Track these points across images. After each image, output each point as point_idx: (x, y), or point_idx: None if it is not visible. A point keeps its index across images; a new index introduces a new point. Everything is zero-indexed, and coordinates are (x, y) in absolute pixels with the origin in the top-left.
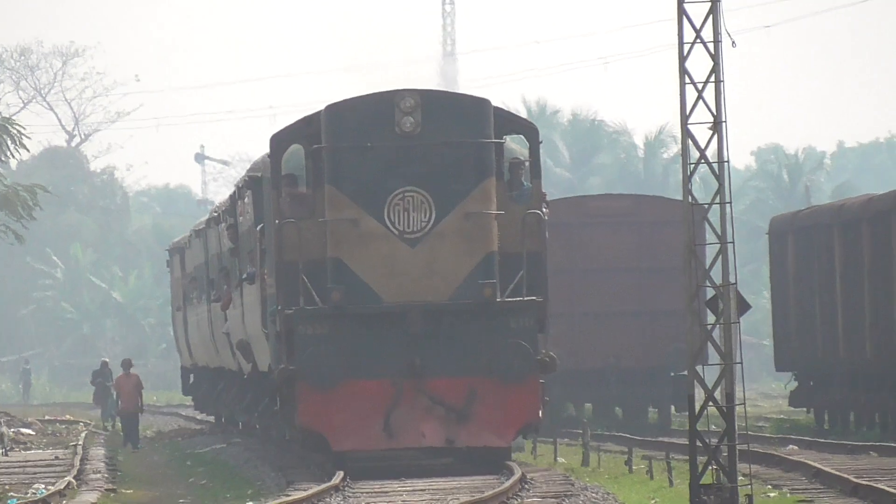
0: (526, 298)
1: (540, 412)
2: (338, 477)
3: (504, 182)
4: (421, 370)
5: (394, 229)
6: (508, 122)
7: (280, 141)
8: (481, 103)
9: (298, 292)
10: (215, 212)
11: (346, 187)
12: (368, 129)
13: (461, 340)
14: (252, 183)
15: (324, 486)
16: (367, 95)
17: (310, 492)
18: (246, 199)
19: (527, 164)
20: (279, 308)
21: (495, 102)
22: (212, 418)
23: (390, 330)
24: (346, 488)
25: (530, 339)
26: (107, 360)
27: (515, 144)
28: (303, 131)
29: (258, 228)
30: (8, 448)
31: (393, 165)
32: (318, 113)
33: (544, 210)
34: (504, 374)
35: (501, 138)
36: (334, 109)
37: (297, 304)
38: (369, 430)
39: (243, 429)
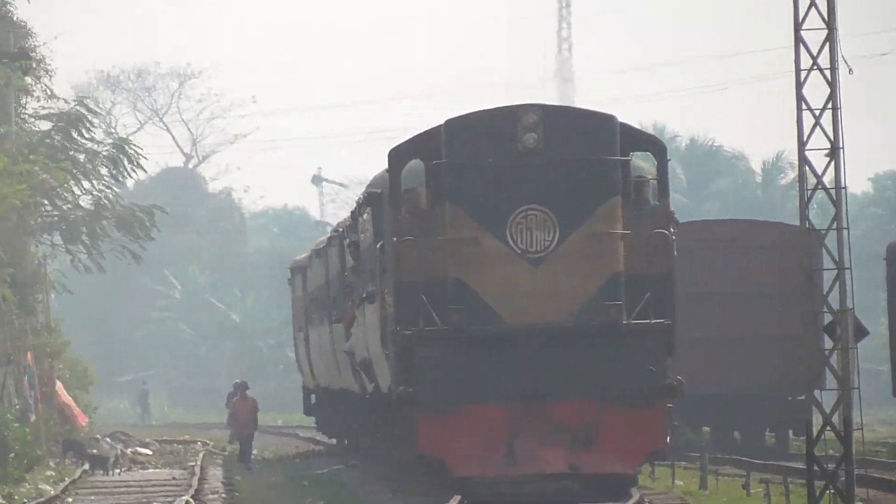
0: (653, 321)
1: (668, 438)
2: (454, 501)
3: (630, 201)
4: (544, 394)
5: (516, 248)
6: (635, 138)
7: (398, 155)
8: (607, 119)
9: (417, 312)
10: (336, 230)
11: (467, 205)
12: (490, 144)
13: (586, 364)
14: (371, 199)
15: None
16: (489, 110)
17: None
18: (365, 216)
19: (654, 182)
20: (397, 328)
21: None
22: (334, 440)
23: (512, 352)
24: None
25: (658, 362)
26: (239, 381)
27: (643, 162)
28: (422, 146)
29: (378, 246)
30: (123, 468)
31: (515, 183)
32: (439, 127)
33: (672, 230)
34: (630, 400)
35: (627, 155)
36: (455, 124)
37: (416, 324)
38: (490, 457)
39: (366, 451)
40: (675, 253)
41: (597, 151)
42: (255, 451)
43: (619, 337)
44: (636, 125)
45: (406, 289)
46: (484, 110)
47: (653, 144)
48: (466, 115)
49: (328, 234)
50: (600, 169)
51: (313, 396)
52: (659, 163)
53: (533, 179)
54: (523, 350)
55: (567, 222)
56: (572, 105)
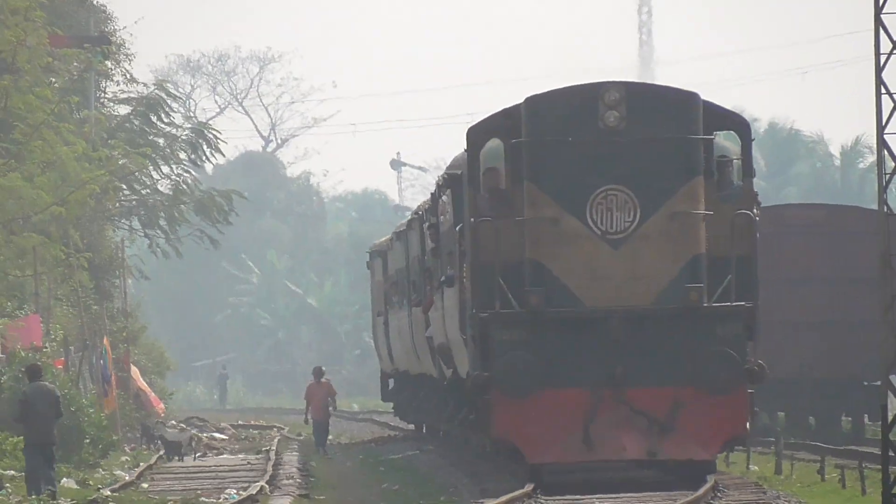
0: (735, 304)
1: (748, 425)
2: (528, 487)
3: (713, 181)
4: (622, 379)
5: (596, 229)
6: (718, 117)
7: (477, 134)
8: (690, 97)
9: (494, 295)
10: (417, 212)
11: (546, 184)
12: (570, 123)
13: (665, 348)
14: (451, 181)
15: (511, 495)
16: (570, 87)
17: (500, 499)
18: (445, 198)
19: (737, 162)
20: (474, 311)
21: None
22: (412, 426)
23: (591, 336)
24: (537, 498)
25: (739, 347)
26: (315, 367)
27: (727, 142)
28: (501, 125)
29: (457, 228)
30: (198, 454)
31: (596, 162)
32: (518, 105)
33: (755, 212)
34: (710, 385)
35: (711, 134)
36: (535, 102)
37: (493, 307)
38: (567, 442)
39: (445, 437)
40: (758, 235)
41: (679, 130)
42: (330, 437)
43: (699, 320)
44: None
45: (483, 271)
46: (565, 87)
47: (737, 123)
48: (547, 92)
49: (408, 217)
50: (682, 148)
51: (391, 382)
52: (743, 142)
53: (614, 159)
54: (602, 333)
55: (648, 203)
56: None
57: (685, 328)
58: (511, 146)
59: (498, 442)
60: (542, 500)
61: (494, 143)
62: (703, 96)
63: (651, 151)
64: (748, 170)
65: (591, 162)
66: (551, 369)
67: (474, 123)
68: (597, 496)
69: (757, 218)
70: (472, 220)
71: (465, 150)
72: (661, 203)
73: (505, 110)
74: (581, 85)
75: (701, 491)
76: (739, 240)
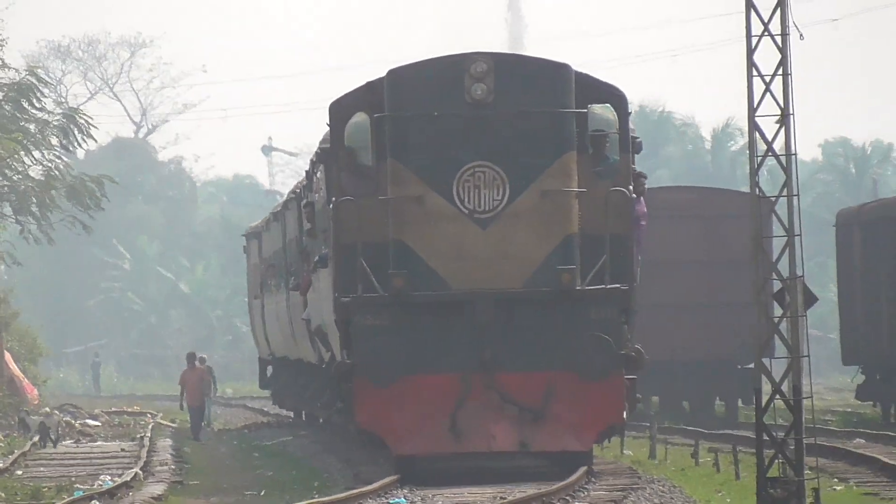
0: (609, 286)
1: (624, 413)
2: (389, 480)
3: (587, 156)
4: (491, 364)
5: (463, 208)
6: (593, 89)
7: (340, 109)
8: (561, 68)
9: (356, 278)
10: (294, 191)
11: (411, 161)
12: (436, 96)
13: (537, 332)
14: (325, 156)
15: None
16: (435, 59)
17: (372, 486)
18: (319, 174)
19: (615, 136)
20: (336, 295)
21: None
22: (291, 414)
23: (458, 320)
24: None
25: (614, 331)
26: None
27: (611, 113)
28: (365, 99)
29: (330, 206)
30: (71, 441)
31: (462, 137)
32: (381, 79)
33: (630, 189)
34: (584, 370)
35: (584, 107)
36: (397, 74)
37: (356, 291)
38: (434, 432)
39: (324, 424)
40: (644, 212)
41: (550, 103)
42: (204, 422)
43: (572, 303)
44: None
45: (346, 252)
46: (430, 59)
47: (612, 95)
48: (411, 64)
49: (285, 198)
50: (554, 122)
51: (270, 368)
52: (619, 115)
53: (481, 134)
54: (470, 317)
55: (518, 180)
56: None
57: (558, 311)
58: (375, 121)
59: (362, 432)
60: (404, 493)
61: (360, 118)
62: None
63: (521, 126)
64: (625, 144)
65: (457, 137)
66: (417, 355)
67: (337, 98)
68: (467, 488)
69: (636, 195)
70: (334, 199)
71: (328, 125)
72: (531, 180)
73: (368, 83)
74: (446, 56)
75: (573, 478)
76: (614, 218)
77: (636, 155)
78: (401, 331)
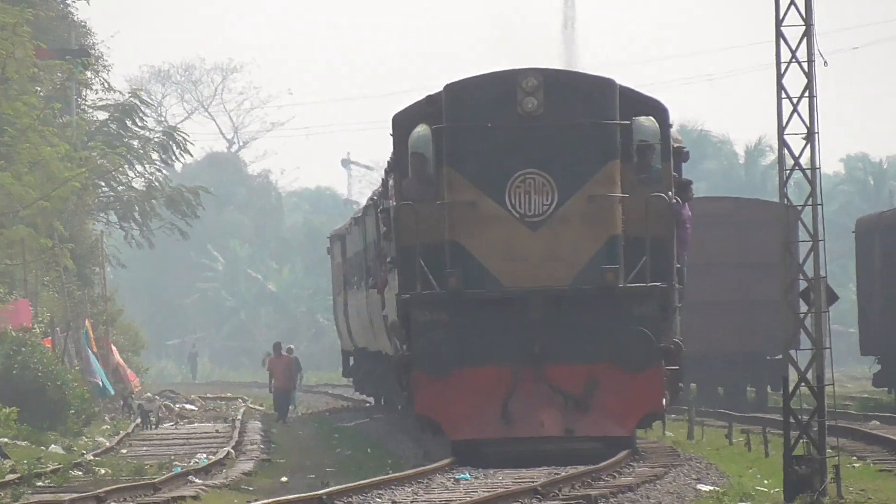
0: (650, 284)
1: (664, 401)
2: (445, 463)
3: (632, 164)
4: (540, 357)
5: (514, 212)
6: (636, 102)
7: (401, 120)
8: (606, 83)
9: (416, 277)
10: (372, 198)
11: (466, 169)
12: (489, 109)
13: (582, 327)
14: (394, 164)
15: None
16: (489, 74)
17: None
18: (391, 182)
19: (657, 146)
20: (397, 293)
21: None
22: (371, 399)
23: (509, 316)
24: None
25: (653, 325)
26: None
27: (654, 124)
28: (426, 111)
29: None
30: (170, 423)
31: (514, 147)
32: (440, 92)
33: (670, 194)
34: (625, 362)
35: (629, 119)
36: (454, 88)
37: (415, 289)
38: (486, 419)
39: (401, 410)
40: (689, 216)
41: (596, 115)
42: (292, 406)
43: (616, 300)
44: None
45: (406, 253)
46: (484, 74)
47: (654, 108)
48: (467, 79)
49: (365, 203)
50: (599, 132)
51: (352, 359)
52: (661, 126)
53: (532, 143)
54: (520, 313)
55: (565, 186)
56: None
57: (602, 308)
58: (434, 132)
59: (421, 419)
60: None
61: (423, 129)
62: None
63: (568, 136)
64: (666, 153)
65: (509, 146)
66: (471, 348)
67: (400, 110)
68: (518, 470)
69: (678, 200)
70: (394, 203)
71: (391, 136)
72: (578, 186)
73: (429, 97)
74: (500, 71)
75: (614, 459)
76: (654, 222)
77: (683, 163)
78: (456, 326)
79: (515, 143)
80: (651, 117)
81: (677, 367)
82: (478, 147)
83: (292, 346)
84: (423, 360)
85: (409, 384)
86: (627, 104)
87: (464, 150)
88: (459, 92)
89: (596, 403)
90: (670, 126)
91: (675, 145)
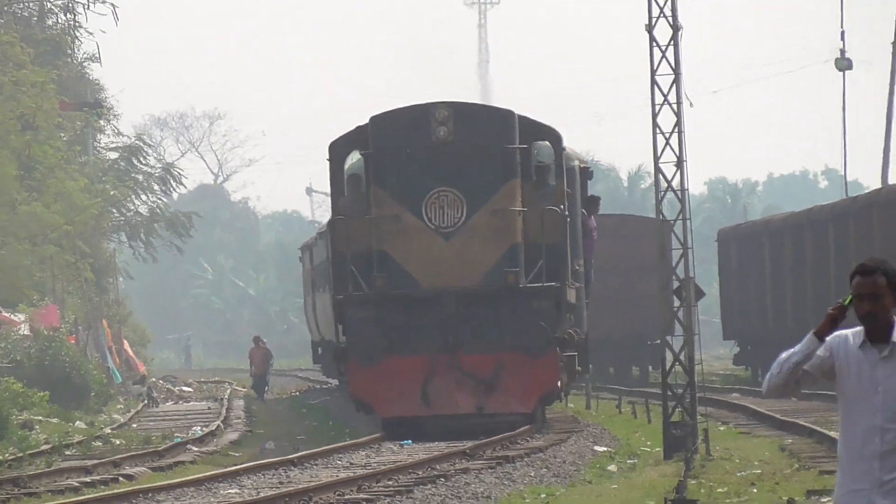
0: (545, 284)
1: (559, 382)
2: (376, 436)
3: (531, 182)
4: (454, 347)
5: (430, 224)
6: (535, 129)
7: (337, 147)
8: (506, 114)
9: (347, 280)
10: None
11: (389, 187)
12: (408, 136)
13: (489, 321)
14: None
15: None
16: (407, 107)
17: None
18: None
19: (552, 166)
20: (332, 294)
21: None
22: (335, 381)
23: (427, 312)
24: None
25: (549, 319)
26: (255, 336)
27: (549, 148)
28: (356, 139)
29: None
30: (169, 401)
31: (429, 168)
32: (367, 123)
33: (562, 207)
34: (526, 350)
35: (528, 143)
36: (379, 120)
37: (347, 290)
38: (410, 400)
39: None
40: (594, 226)
41: (498, 141)
42: (267, 388)
43: (517, 297)
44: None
45: (340, 259)
46: (403, 107)
47: (549, 134)
48: (388, 111)
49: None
50: (501, 155)
51: (319, 349)
52: (555, 150)
53: (444, 165)
54: (437, 310)
55: (473, 201)
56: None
57: (505, 304)
58: (364, 156)
59: (355, 399)
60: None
61: (358, 155)
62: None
63: (475, 159)
64: (559, 172)
65: (425, 168)
66: (396, 340)
67: (335, 139)
68: (439, 443)
69: (589, 215)
70: (330, 218)
71: (328, 160)
72: (484, 201)
73: (358, 127)
74: (416, 105)
75: (518, 431)
76: (549, 231)
77: (589, 181)
78: (383, 321)
79: (430, 165)
80: (547, 142)
81: (575, 353)
82: (399, 169)
83: (265, 340)
84: (356, 350)
85: (345, 371)
86: (527, 131)
87: (387, 172)
88: (383, 122)
89: (502, 385)
90: (563, 150)
91: (582, 166)
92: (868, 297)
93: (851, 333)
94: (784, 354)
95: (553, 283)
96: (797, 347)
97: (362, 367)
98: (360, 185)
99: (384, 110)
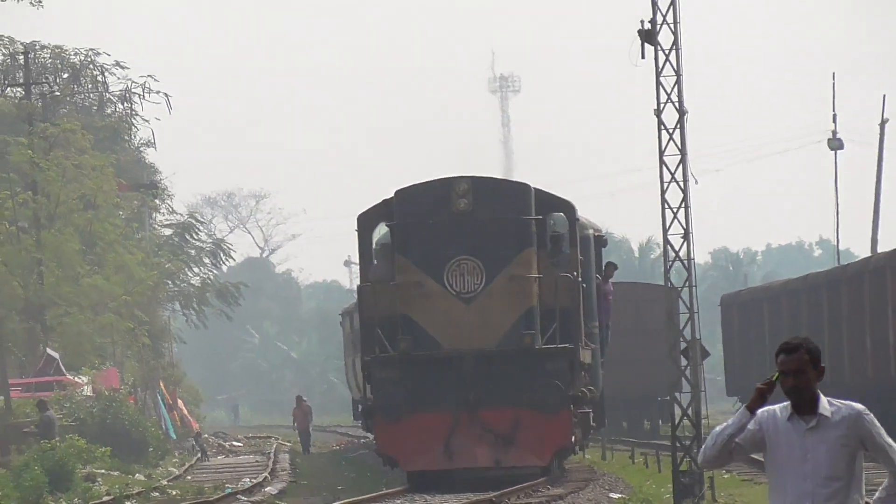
0: (559, 345)
1: (573, 438)
2: (401, 488)
3: (546, 251)
4: (474, 404)
5: (452, 290)
6: (550, 201)
7: (364, 220)
8: (523, 187)
9: (374, 343)
10: None
11: (413, 256)
12: (430, 208)
13: (506, 379)
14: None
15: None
16: (430, 181)
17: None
18: None
19: (566, 235)
20: (361, 356)
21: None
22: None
23: (449, 372)
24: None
25: (563, 378)
26: (297, 395)
27: (563, 219)
28: (383, 211)
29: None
30: (223, 455)
31: (450, 238)
32: (392, 197)
33: (575, 273)
34: (541, 407)
35: (544, 214)
36: (403, 193)
37: (374, 352)
38: (432, 454)
39: None
40: (610, 290)
41: (515, 212)
42: (311, 442)
43: (533, 358)
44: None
45: (367, 324)
46: (426, 182)
47: (564, 205)
48: (412, 185)
49: None
50: (517, 226)
51: (360, 406)
52: (569, 220)
53: (464, 235)
54: (458, 369)
55: (491, 268)
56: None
57: (522, 364)
58: (389, 227)
59: (381, 454)
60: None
61: (385, 227)
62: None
63: (493, 229)
64: (573, 241)
65: (446, 237)
66: (419, 398)
67: (363, 211)
68: (463, 494)
69: (607, 279)
70: (359, 285)
71: (356, 231)
72: (501, 268)
73: (385, 200)
74: (438, 179)
75: (535, 482)
76: (562, 295)
77: (603, 248)
78: (407, 380)
79: (451, 234)
80: (562, 213)
81: (589, 410)
82: (422, 238)
83: (306, 399)
84: (382, 408)
85: (372, 427)
86: (542, 203)
87: (411, 241)
88: (406, 195)
89: (519, 440)
90: (577, 220)
91: (596, 234)
92: (793, 373)
93: (779, 408)
94: (718, 428)
95: (567, 345)
96: (731, 421)
97: (388, 424)
98: (389, 254)
99: (408, 184)
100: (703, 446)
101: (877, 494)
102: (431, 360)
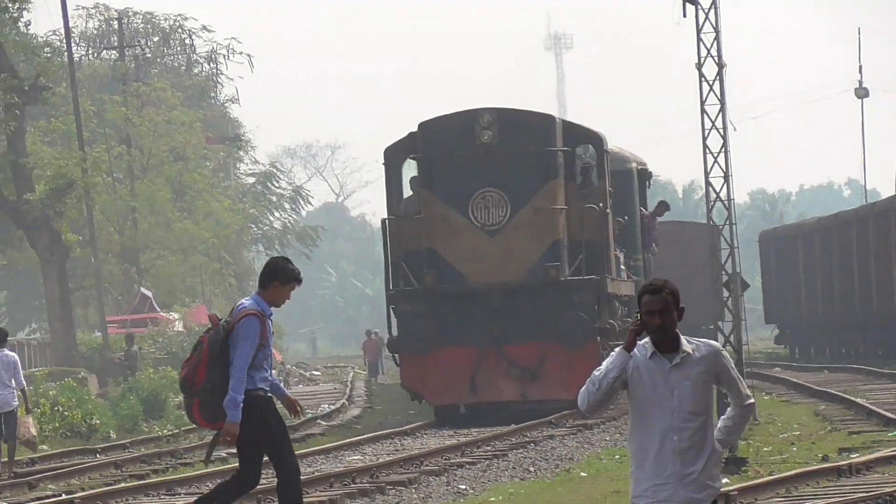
0: (585, 277)
1: None
2: (423, 423)
3: (574, 183)
4: (500, 339)
5: (476, 223)
6: (579, 133)
7: (390, 153)
8: (548, 118)
9: (399, 276)
10: None
11: (437, 189)
12: (454, 141)
13: (532, 313)
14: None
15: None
16: (454, 113)
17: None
18: None
19: (594, 166)
20: (385, 289)
21: None
22: None
23: (474, 306)
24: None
25: (590, 310)
26: (368, 329)
27: (592, 150)
28: (409, 145)
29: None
30: (303, 384)
31: (475, 170)
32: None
33: (602, 204)
34: (567, 340)
35: (572, 146)
36: (426, 126)
37: (399, 286)
38: (458, 388)
39: None
40: (655, 224)
41: (540, 144)
42: (381, 372)
43: (559, 290)
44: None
45: (392, 257)
46: (450, 114)
47: (593, 137)
48: (435, 118)
49: None
50: (542, 157)
51: None
52: (597, 151)
53: (489, 167)
54: (483, 303)
55: (516, 201)
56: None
57: (548, 297)
58: (415, 160)
59: (406, 388)
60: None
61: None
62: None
63: (517, 161)
64: (601, 172)
65: (471, 170)
66: (444, 332)
67: (389, 145)
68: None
69: (654, 215)
70: (383, 218)
71: (383, 164)
72: (526, 200)
73: (410, 134)
74: (462, 111)
75: (562, 413)
76: (588, 228)
77: (648, 181)
78: (432, 314)
79: (476, 167)
80: (590, 145)
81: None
82: (446, 172)
83: (377, 331)
84: (407, 343)
85: (397, 361)
86: (571, 135)
87: (435, 175)
88: (430, 128)
89: (544, 374)
90: (606, 151)
91: (640, 168)
92: (658, 313)
93: (637, 347)
94: (597, 372)
95: (593, 276)
96: (610, 364)
97: (413, 358)
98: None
99: (432, 116)
100: (583, 392)
101: (720, 423)
102: (456, 295)
